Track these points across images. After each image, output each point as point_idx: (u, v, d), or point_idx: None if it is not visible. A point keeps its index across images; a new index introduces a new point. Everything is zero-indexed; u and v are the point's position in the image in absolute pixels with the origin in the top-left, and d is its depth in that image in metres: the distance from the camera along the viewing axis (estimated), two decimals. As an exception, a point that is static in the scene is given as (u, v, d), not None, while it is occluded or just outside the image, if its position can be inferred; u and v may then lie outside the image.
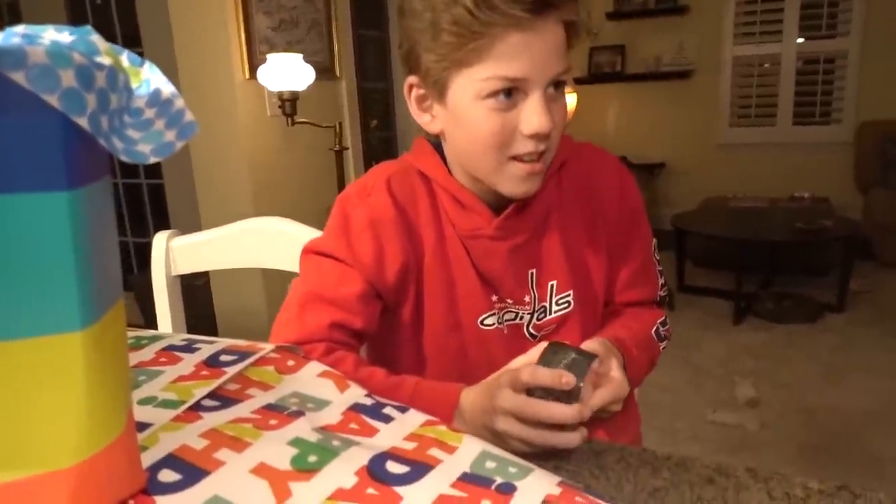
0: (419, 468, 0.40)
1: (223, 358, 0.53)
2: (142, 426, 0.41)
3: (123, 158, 0.32)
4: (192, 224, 2.34)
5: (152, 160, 0.34)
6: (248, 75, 2.41)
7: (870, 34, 4.03)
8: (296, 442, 0.41)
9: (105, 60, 0.32)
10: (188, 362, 0.51)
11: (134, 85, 0.34)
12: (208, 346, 0.55)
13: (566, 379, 0.53)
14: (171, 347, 0.55)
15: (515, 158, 0.65)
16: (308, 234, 0.92)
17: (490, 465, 0.41)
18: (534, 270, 0.72)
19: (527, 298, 0.72)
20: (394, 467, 0.39)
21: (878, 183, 3.81)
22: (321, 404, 0.47)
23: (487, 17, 0.58)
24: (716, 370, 2.49)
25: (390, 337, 0.71)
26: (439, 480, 0.39)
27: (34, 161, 0.29)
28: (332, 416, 0.46)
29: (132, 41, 3.06)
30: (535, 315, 0.73)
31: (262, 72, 2.23)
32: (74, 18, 3.28)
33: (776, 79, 4.35)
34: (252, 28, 2.51)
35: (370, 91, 3.69)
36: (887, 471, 1.76)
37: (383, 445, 0.42)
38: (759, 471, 0.52)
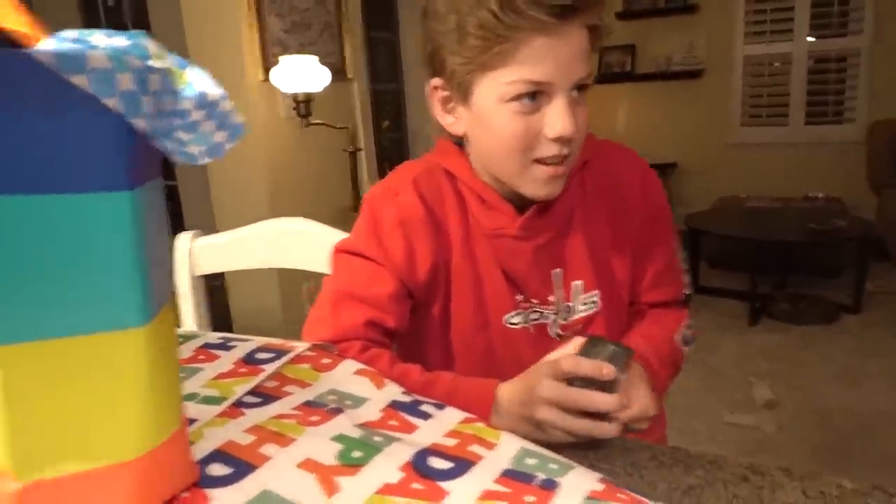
0: (462, 464, 0.40)
1: (259, 356, 0.53)
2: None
3: (176, 160, 0.32)
4: (207, 225, 2.35)
5: (203, 161, 0.34)
6: (262, 77, 2.43)
7: (882, 32, 4.00)
8: (339, 438, 0.41)
9: (157, 63, 0.32)
10: (226, 360, 0.52)
11: (179, 87, 0.35)
12: (243, 344, 0.56)
13: (607, 370, 0.54)
14: (208, 345, 0.56)
15: (539, 161, 0.65)
16: (332, 235, 0.93)
17: (530, 461, 0.42)
18: (558, 270, 0.72)
19: (551, 298, 0.72)
20: (437, 463, 0.40)
21: (892, 182, 3.78)
22: (359, 401, 0.48)
23: (512, 21, 0.58)
24: (732, 371, 2.47)
25: (418, 335, 0.72)
26: (483, 476, 0.39)
27: (96, 162, 0.29)
28: (371, 412, 0.46)
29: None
30: (561, 315, 0.73)
31: (274, 73, 2.25)
32: (88, 21, 3.30)
33: (787, 78, 4.32)
34: (266, 30, 2.52)
35: (381, 92, 3.70)
36: (905, 472, 1.75)
37: (424, 442, 0.42)
38: (793, 470, 0.52)
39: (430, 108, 0.70)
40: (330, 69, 2.44)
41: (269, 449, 0.39)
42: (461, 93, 0.65)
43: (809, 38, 4.24)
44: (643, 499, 0.39)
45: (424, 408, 0.48)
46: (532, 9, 0.57)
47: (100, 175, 0.29)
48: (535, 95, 0.62)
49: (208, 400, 0.45)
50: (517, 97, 0.62)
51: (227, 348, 0.55)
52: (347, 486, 0.37)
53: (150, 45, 0.34)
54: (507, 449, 0.43)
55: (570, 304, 0.73)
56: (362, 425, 0.44)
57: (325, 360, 0.54)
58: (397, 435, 0.43)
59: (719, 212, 3.78)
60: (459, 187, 0.71)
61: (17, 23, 0.34)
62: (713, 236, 3.26)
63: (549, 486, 0.39)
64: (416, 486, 0.38)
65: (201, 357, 0.53)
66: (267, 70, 2.41)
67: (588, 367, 0.54)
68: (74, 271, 0.28)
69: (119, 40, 0.33)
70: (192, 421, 0.42)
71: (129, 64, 0.30)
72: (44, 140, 0.27)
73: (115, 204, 0.29)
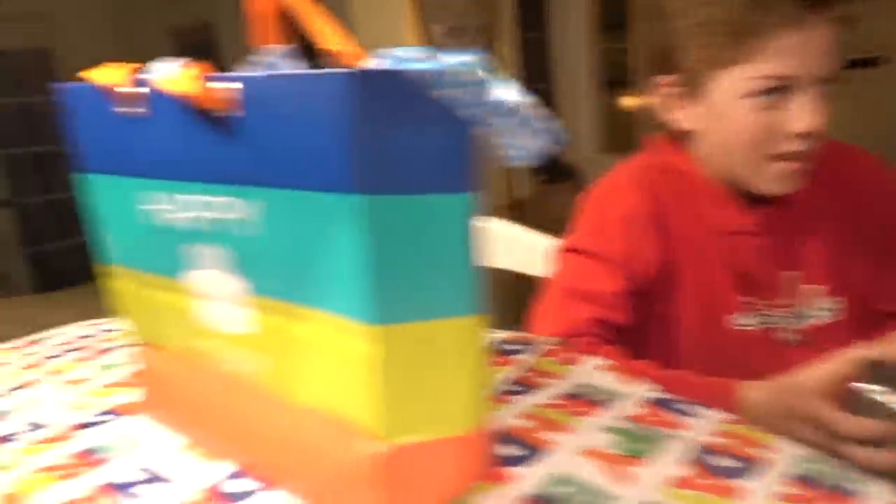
0: (747, 463, 0.40)
1: (506, 347, 0.57)
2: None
3: (505, 164, 0.36)
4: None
5: (520, 164, 0.37)
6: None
7: None
8: (612, 429, 0.43)
9: (485, 76, 0.36)
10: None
11: (503, 98, 0.38)
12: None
13: None
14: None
15: (778, 157, 0.63)
16: (526, 236, 0.95)
17: (816, 467, 0.41)
18: (793, 272, 0.69)
19: (784, 301, 0.69)
20: (719, 460, 0.40)
21: None
22: (611, 395, 0.49)
23: (762, 15, 0.58)
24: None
25: (641, 333, 0.72)
26: (772, 477, 0.39)
27: (443, 166, 0.33)
28: (630, 407, 0.47)
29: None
30: (794, 319, 0.70)
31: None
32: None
33: None
34: (429, 33, 2.64)
35: (531, 93, 3.71)
36: None
37: (698, 438, 0.43)
38: None
39: (653, 106, 0.70)
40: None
41: (549, 435, 0.42)
42: (694, 89, 0.64)
43: None
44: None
45: (680, 405, 0.48)
46: (782, 2, 0.56)
47: (444, 178, 0.33)
48: (778, 90, 0.60)
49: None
50: (759, 92, 0.60)
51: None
52: (636, 476, 0.38)
53: (475, 58, 0.38)
54: (788, 453, 0.42)
55: (805, 308, 0.69)
56: (628, 418, 0.45)
57: (567, 355, 0.56)
58: (665, 430, 0.44)
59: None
60: (686, 184, 0.71)
61: (340, 44, 0.39)
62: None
63: (846, 493, 0.38)
64: (703, 481, 0.38)
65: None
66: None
67: None
68: (431, 263, 0.32)
69: (452, 57, 0.37)
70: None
71: (471, 79, 0.33)
72: (416, 147, 0.31)
73: (456, 204, 0.33)
